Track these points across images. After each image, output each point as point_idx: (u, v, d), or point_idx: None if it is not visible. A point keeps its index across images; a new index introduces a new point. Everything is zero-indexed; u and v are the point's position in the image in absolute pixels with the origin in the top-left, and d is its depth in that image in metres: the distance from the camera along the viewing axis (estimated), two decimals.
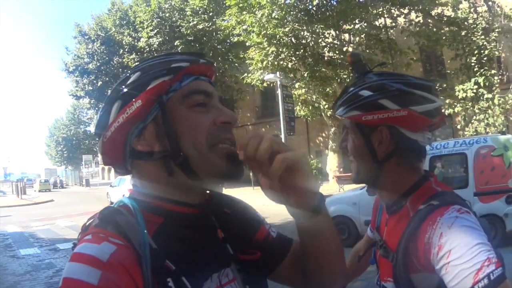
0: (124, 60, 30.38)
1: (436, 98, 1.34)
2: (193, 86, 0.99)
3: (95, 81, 32.64)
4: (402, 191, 1.37)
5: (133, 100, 0.95)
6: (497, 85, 19.33)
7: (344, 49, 22.00)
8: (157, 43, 28.68)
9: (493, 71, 19.41)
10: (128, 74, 1.01)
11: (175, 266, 0.88)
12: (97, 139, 1.06)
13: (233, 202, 1.21)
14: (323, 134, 29.95)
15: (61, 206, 28.44)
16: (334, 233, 1.09)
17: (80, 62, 33.14)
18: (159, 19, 28.91)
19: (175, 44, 27.96)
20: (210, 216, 1.09)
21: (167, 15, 28.97)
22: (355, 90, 1.35)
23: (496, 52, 19.69)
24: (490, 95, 18.85)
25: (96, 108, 35.87)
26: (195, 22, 27.74)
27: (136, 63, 1.09)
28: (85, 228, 0.95)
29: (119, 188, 24.50)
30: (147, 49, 29.37)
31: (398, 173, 1.37)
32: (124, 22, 31.98)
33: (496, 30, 19.08)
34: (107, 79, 32.24)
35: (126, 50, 30.83)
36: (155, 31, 28.63)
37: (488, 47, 19.01)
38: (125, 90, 0.98)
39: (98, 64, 32.13)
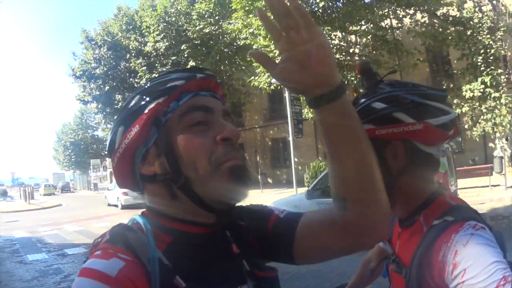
0: (131, 64, 30.38)
1: (450, 108, 1.31)
2: (190, 103, 0.97)
3: (102, 86, 32.59)
4: (415, 205, 1.33)
5: (131, 125, 0.96)
6: (503, 84, 19.30)
7: (351, 50, 22.08)
8: (163, 47, 28.72)
9: (499, 70, 19.35)
10: (130, 98, 1.01)
11: (186, 284, 0.87)
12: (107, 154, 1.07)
13: (243, 211, 1.16)
14: None
15: (69, 211, 28.47)
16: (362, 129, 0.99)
17: (87, 67, 33.08)
18: (165, 24, 28.92)
19: (182, 48, 27.97)
20: (224, 233, 1.07)
21: (173, 19, 28.97)
22: (367, 101, 1.30)
23: (502, 51, 19.65)
24: (497, 94, 18.81)
25: (104, 113, 35.88)
26: (201, 26, 27.73)
27: (140, 85, 1.10)
28: (96, 244, 0.95)
29: (115, 192, 26.68)
30: (154, 54, 29.40)
31: (412, 187, 1.33)
32: (131, 27, 32.00)
33: (502, 29, 19.05)
34: (114, 83, 32.26)
35: (133, 54, 30.81)
36: (162, 35, 28.63)
37: (494, 46, 18.96)
38: (125, 115, 0.99)
39: (105, 69, 32.08)
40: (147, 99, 0.97)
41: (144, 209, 1.05)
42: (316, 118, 0.97)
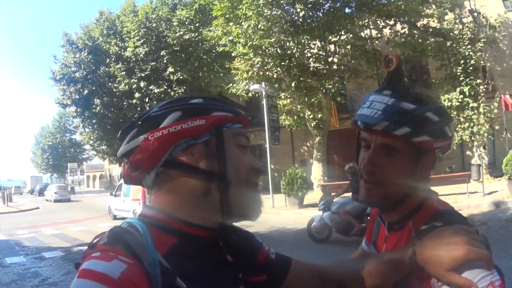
0: (110, 69, 30.28)
1: None
2: (241, 130, 1.09)
3: (81, 90, 32.42)
4: (408, 209, 1.31)
5: (197, 117, 1.00)
6: (482, 94, 19.59)
7: (330, 59, 22.16)
8: (143, 52, 28.67)
9: (478, 81, 19.66)
10: (186, 96, 1.08)
11: (187, 285, 0.88)
12: (130, 129, 1.04)
13: (236, 229, 1.20)
14: (308, 144, 30.01)
15: (46, 214, 28.26)
16: None
17: (67, 70, 32.89)
18: (146, 29, 28.92)
19: (161, 54, 27.98)
20: (219, 241, 1.11)
21: (154, 25, 28.97)
22: (420, 111, 1.23)
23: (482, 62, 19.94)
24: (475, 104, 19.07)
25: (82, 117, 35.57)
26: (181, 33, 27.81)
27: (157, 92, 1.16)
28: (92, 246, 0.93)
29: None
30: (133, 59, 29.33)
31: (416, 193, 1.32)
32: (112, 31, 31.90)
33: (482, 40, 19.34)
34: (93, 88, 32.10)
35: (113, 59, 30.72)
36: (142, 41, 28.62)
37: (474, 57, 19.24)
38: (185, 106, 1.03)
39: (84, 73, 31.94)
40: (215, 106, 1.05)
41: (142, 210, 1.07)
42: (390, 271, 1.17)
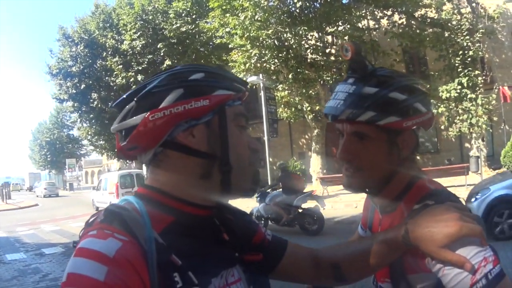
0: (107, 63, 30.09)
1: None
2: (241, 109, 1.07)
3: (78, 84, 32.18)
4: (398, 190, 1.33)
5: (201, 97, 0.97)
6: (480, 85, 19.58)
7: (327, 51, 22.12)
8: (140, 45, 28.49)
9: (476, 72, 19.67)
10: (184, 68, 1.03)
11: (182, 262, 0.88)
12: (130, 105, 1.02)
13: (233, 210, 1.22)
14: (306, 136, 30.05)
15: (45, 211, 28.65)
16: None
17: (63, 65, 32.65)
18: (142, 22, 28.74)
19: (158, 46, 27.86)
20: (215, 220, 1.11)
21: (150, 17, 28.81)
22: (384, 92, 1.24)
23: (480, 53, 19.91)
24: (473, 95, 19.05)
25: (79, 112, 35.40)
26: (178, 25, 27.63)
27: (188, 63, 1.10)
28: (89, 224, 0.93)
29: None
30: (130, 52, 29.16)
31: (404, 174, 1.34)
32: (108, 25, 31.69)
33: (480, 31, 19.30)
34: (90, 82, 31.85)
35: (110, 53, 30.52)
36: (138, 33, 28.44)
37: (472, 48, 19.21)
38: (187, 83, 0.99)
39: (81, 67, 31.70)
40: (218, 83, 1.02)
41: (138, 189, 1.06)
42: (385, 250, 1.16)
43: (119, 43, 30.13)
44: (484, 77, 20.66)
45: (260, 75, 19.83)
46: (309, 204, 11.91)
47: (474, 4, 19.89)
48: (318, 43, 21.94)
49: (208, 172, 0.99)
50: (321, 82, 20.75)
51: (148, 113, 0.96)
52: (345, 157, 1.32)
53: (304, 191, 12.08)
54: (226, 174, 1.00)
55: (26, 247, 13.92)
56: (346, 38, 21.31)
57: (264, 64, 21.20)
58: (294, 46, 20.24)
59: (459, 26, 19.72)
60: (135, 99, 1.00)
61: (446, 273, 1.03)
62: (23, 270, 10.38)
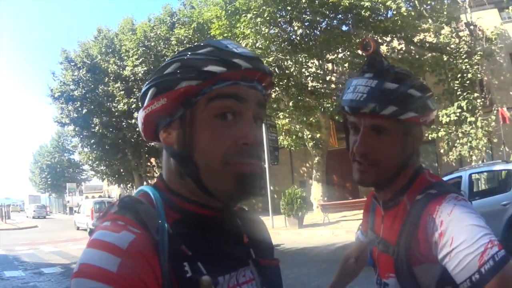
0: (109, 88, 30.27)
1: None
2: (222, 90, 0.92)
3: (80, 109, 32.25)
4: (401, 184, 1.37)
5: (161, 95, 0.93)
6: (479, 108, 19.57)
7: (328, 78, 22.23)
8: (142, 72, 28.69)
9: (475, 94, 19.64)
10: (170, 59, 0.97)
11: (192, 253, 0.87)
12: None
13: (257, 219, 1.23)
14: (307, 164, 29.98)
15: (45, 232, 28.65)
16: None
17: (65, 88, 32.73)
18: (144, 48, 29.01)
19: None
20: (235, 220, 1.08)
21: (152, 44, 29.09)
22: (402, 88, 1.29)
23: (479, 75, 19.97)
24: (473, 118, 19.05)
25: (81, 136, 35.57)
26: None
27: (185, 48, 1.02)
28: (102, 215, 0.93)
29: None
30: (132, 78, 29.36)
31: (408, 168, 1.38)
32: (110, 50, 31.96)
33: (478, 53, 19.38)
34: (92, 107, 31.96)
35: (112, 78, 30.72)
36: (140, 60, 28.69)
37: (470, 71, 19.27)
38: (160, 79, 0.95)
39: (83, 91, 31.83)
40: (183, 75, 0.92)
41: (156, 179, 1.05)
42: None
43: (121, 69, 30.33)
44: (483, 99, 20.68)
45: None
46: None
47: (472, 27, 20.00)
48: (318, 71, 22.07)
49: (181, 173, 0.96)
50: (322, 109, 20.78)
51: (141, 111, 1.01)
52: (363, 150, 1.34)
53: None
54: (193, 175, 0.93)
55: (25, 265, 13.86)
56: (346, 65, 21.46)
57: None
58: (294, 74, 20.35)
59: (457, 49, 19.81)
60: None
61: (454, 256, 1.07)
62: (21, 287, 10.39)
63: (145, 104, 0.98)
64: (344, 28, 21.36)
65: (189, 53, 0.96)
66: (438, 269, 1.17)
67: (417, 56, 21.34)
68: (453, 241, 1.08)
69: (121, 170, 36.37)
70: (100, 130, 32.06)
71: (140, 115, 1.01)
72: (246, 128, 0.93)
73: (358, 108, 1.31)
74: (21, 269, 13.11)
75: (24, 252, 17.42)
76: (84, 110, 32.06)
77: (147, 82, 0.99)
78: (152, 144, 1.10)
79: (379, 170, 1.34)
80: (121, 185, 42.02)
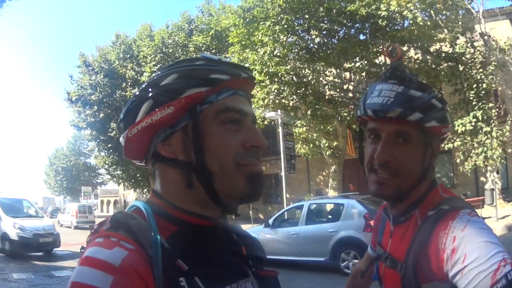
0: (126, 93, 30.45)
1: None
2: (229, 102, 0.97)
3: (97, 113, 32.53)
4: (414, 199, 1.34)
5: (165, 105, 0.93)
6: (494, 118, 19.49)
7: (345, 87, 22.21)
8: None
9: (490, 104, 19.57)
10: (162, 73, 0.98)
11: (189, 267, 0.86)
12: (120, 125, 1.03)
13: (248, 233, 1.20)
14: (323, 173, 29.92)
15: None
16: None
17: (83, 92, 33.03)
18: (162, 54, 29.17)
19: None
20: (231, 232, 1.09)
21: (170, 50, 29.24)
22: (427, 97, 1.29)
23: (493, 86, 19.90)
24: (488, 128, 18.99)
25: (97, 140, 35.83)
26: None
27: (172, 63, 1.05)
28: (95, 230, 0.92)
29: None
30: None
31: (424, 181, 1.36)
32: (128, 55, 32.20)
33: (493, 63, 19.32)
34: (109, 111, 32.16)
35: (129, 84, 30.95)
36: (158, 66, 28.76)
37: (485, 81, 19.21)
38: (157, 91, 0.96)
39: (100, 96, 32.09)
40: (188, 83, 0.95)
41: (150, 195, 1.05)
42: None
43: (138, 75, 30.49)
44: (497, 110, 20.62)
45: (279, 110, 19.83)
46: None
47: (486, 37, 19.95)
48: (336, 79, 22.07)
49: (189, 181, 0.96)
50: (339, 118, 20.72)
51: (127, 130, 0.98)
52: (385, 157, 1.30)
53: None
54: (206, 182, 0.94)
55: (35, 267, 13.76)
56: (363, 74, 21.46)
57: (283, 100, 21.35)
58: (312, 82, 20.42)
59: (472, 60, 19.78)
60: (120, 119, 1.03)
61: (466, 274, 1.04)
62: None
63: (137, 120, 0.97)
64: (361, 37, 21.39)
65: (184, 64, 0.99)
66: (448, 286, 1.12)
67: (433, 66, 21.25)
68: (466, 258, 1.06)
69: (138, 175, 36.31)
70: (117, 135, 32.06)
71: (129, 133, 0.98)
72: (250, 132, 0.98)
73: (385, 112, 1.28)
74: (30, 271, 13.00)
75: (34, 254, 17.05)
76: (101, 115, 32.29)
77: (131, 100, 1.00)
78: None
79: (399, 181, 1.30)
80: (137, 189, 42.00)
